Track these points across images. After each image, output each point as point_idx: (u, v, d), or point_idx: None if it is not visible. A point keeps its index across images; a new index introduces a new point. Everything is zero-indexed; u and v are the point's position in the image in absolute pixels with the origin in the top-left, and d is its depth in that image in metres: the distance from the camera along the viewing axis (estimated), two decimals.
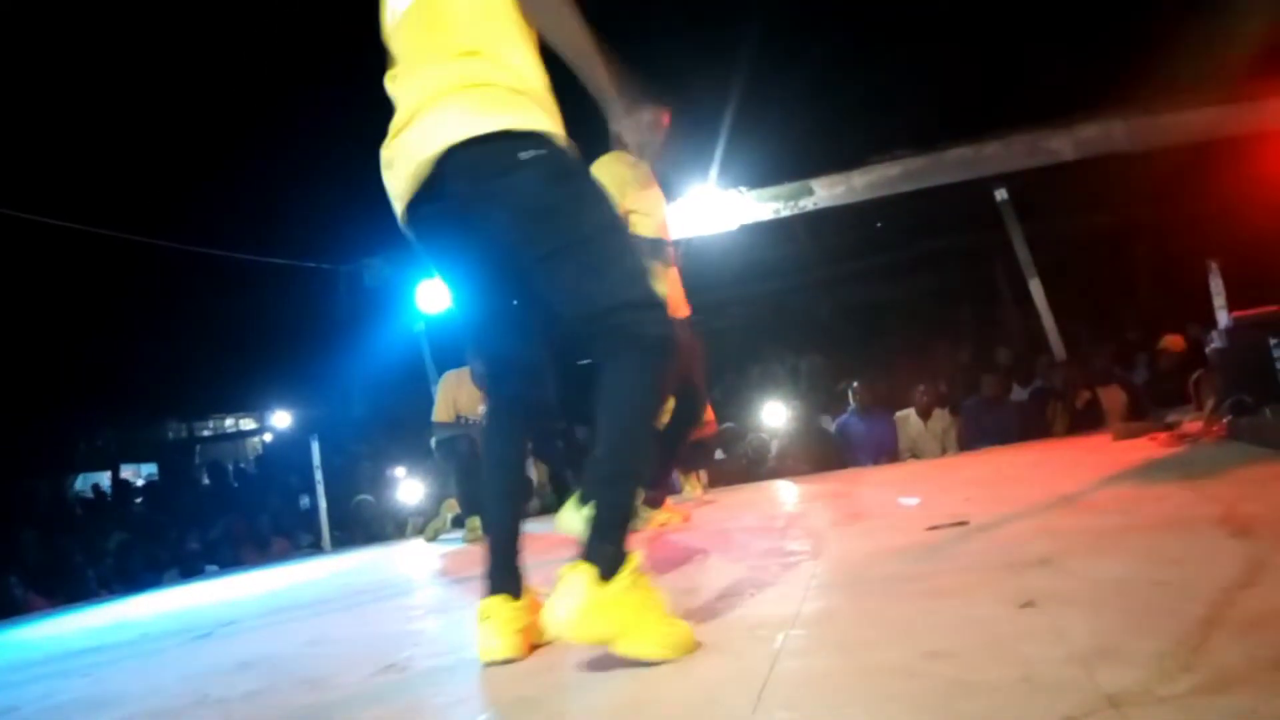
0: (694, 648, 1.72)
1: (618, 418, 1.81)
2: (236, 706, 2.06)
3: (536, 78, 1.98)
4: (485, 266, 2.03)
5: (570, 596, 1.69)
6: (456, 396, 5.88)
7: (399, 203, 2.01)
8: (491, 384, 2.19)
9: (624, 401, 1.81)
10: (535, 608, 1.98)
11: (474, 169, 1.87)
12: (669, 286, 3.71)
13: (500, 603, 1.99)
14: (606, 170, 3.46)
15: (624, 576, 1.72)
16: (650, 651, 1.69)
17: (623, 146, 3.42)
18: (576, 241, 1.84)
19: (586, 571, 1.70)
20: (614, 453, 1.81)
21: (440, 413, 5.92)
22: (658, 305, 1.86)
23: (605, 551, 1.74)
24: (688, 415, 3.83)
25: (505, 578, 2.03)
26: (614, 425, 1.81)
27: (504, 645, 1.94)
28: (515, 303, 2.08)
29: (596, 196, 1.92)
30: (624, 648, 1.70)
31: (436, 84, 1.93)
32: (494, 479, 2.16)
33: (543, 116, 1.91)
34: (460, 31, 1.97)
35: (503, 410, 2.18)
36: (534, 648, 1.99)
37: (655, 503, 3.92)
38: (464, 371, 5.92)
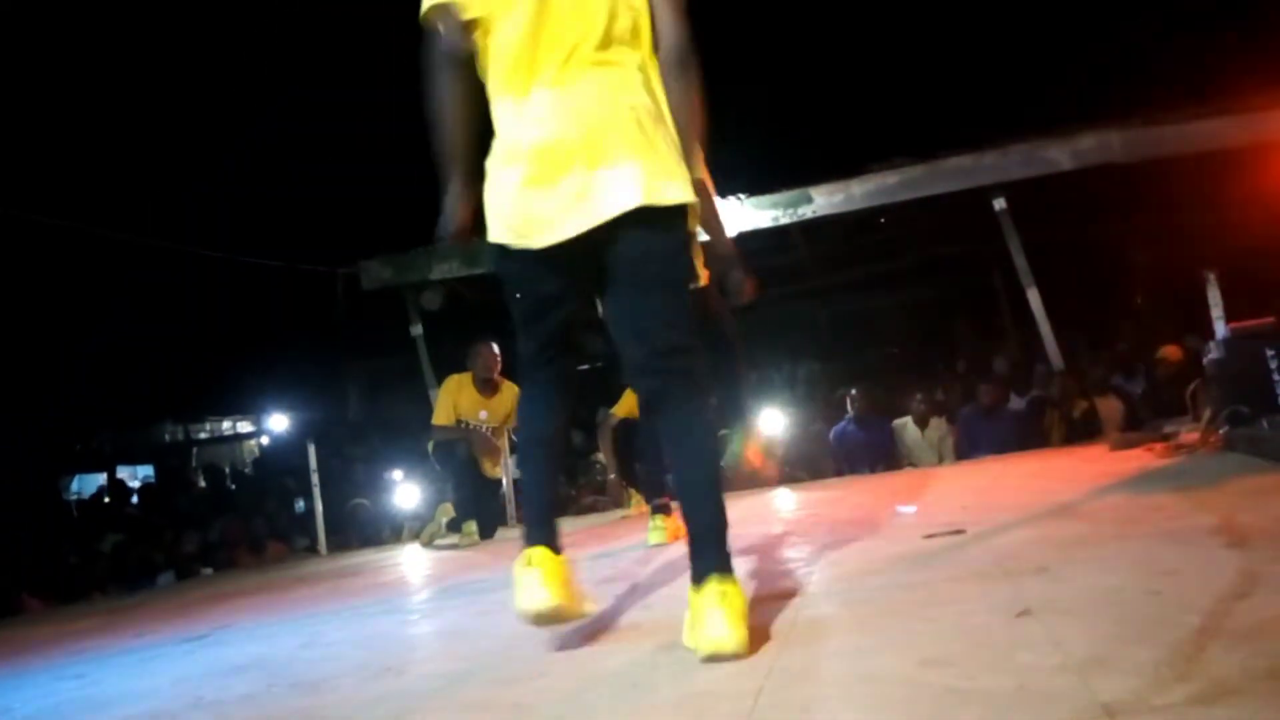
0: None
1: (704, 472, 1.96)
2: (231, 710, 2.06)
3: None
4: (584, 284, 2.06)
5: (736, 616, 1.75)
6: (458, 400, 5.87)
7: (518, 240, 1.97)
8: (542, 356, 2.15)
9: (702, 441, 1.96)
10: (571, 572, 2.03)
11: (638, 234, 1.91)
12: None
13: (545, 553, 1.97)
14: None
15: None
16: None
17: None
18: (670, 282, 1.97)
19: (735, 586, 1.82)
20: (707, 488, 1.95)
21: (440, 415, 5.91)
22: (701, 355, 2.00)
23: (724, 563, 1.85)
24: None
25: (547, 533, 2.02)
26: (704, 481, 1.95)
27: (553, 594, 1.92)
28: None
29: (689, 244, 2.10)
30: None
31: (598, 108, 1.93)
32: (533, 444, 2.19)
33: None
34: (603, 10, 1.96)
35: (551, 380, 2.18)
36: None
37: (665, 509, 3.86)
38: (465, 376, 5.92)
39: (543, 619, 1.95)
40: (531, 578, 1.93)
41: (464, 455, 5.66)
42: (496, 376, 5.87)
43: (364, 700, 1.93)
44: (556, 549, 2.01)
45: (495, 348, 5.87)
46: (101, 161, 10.62)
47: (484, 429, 5.86)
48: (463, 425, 5.82)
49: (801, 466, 7.55)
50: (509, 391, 5.84)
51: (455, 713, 1.73)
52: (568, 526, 4.60)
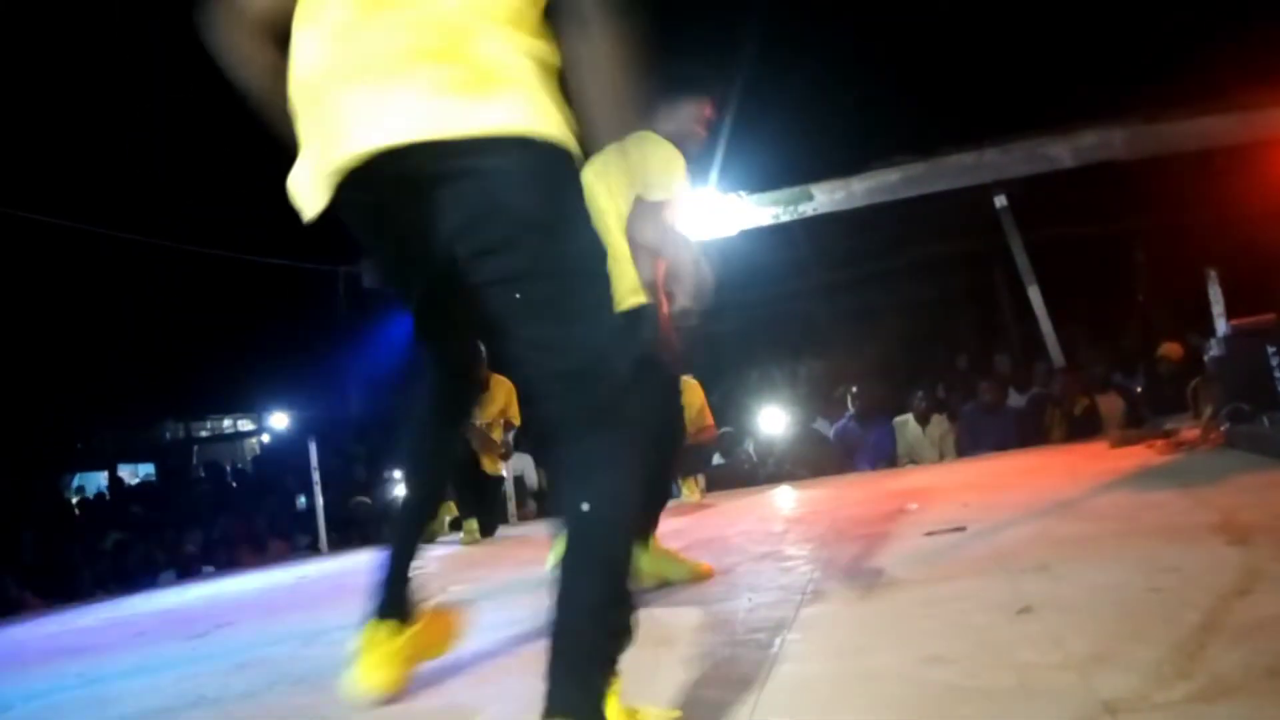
0: None
1: (609, 517, 1.33)
2: (233, 707, 2.06)
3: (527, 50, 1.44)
4: (429, 263, 1.56)
5: None
6: None
7: (321, 181, 1.48)
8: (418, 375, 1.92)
9: (612, 494, 1.34)
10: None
11: (439, 156, 1.36)
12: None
13: (375, 631, 1.87)
14: (649, 144, 3.27)
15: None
16: None
17: (674, 135, 3.32)
18: (555, 273, 1.36)
19: None
20: (600, 565, 1.33)
21: None
22: (635, 385, 1.36)
23: (577, 693, 1.27)
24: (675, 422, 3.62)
25: (386, 603, 1.89)
26: (605, 526, 1.33)
27: (378, 677, 1.81)
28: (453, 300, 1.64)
29: (588, 223, 1.42)
30: None
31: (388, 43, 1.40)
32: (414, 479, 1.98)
33: (537, 102, 1.40)
34: None
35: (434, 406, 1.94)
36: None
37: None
38: None
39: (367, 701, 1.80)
40: (358, 663, 1.83)
41: (465, 454, 5.64)
42: (483, 373, 5.82)
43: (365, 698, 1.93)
44: (403, 617, 1.89)
45: (480, 344, 5.80)
46: (103, 161, 10.62)
47: (479, 426, 5.82)
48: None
49: (802, 464, 7.55)
50: (500, 387, 5.83)
51: (455, 711, 1.72)
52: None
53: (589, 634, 1.30)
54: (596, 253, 1.41)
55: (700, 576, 2.81)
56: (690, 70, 3.45)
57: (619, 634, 1.34)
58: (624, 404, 1.35)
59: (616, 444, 1.35)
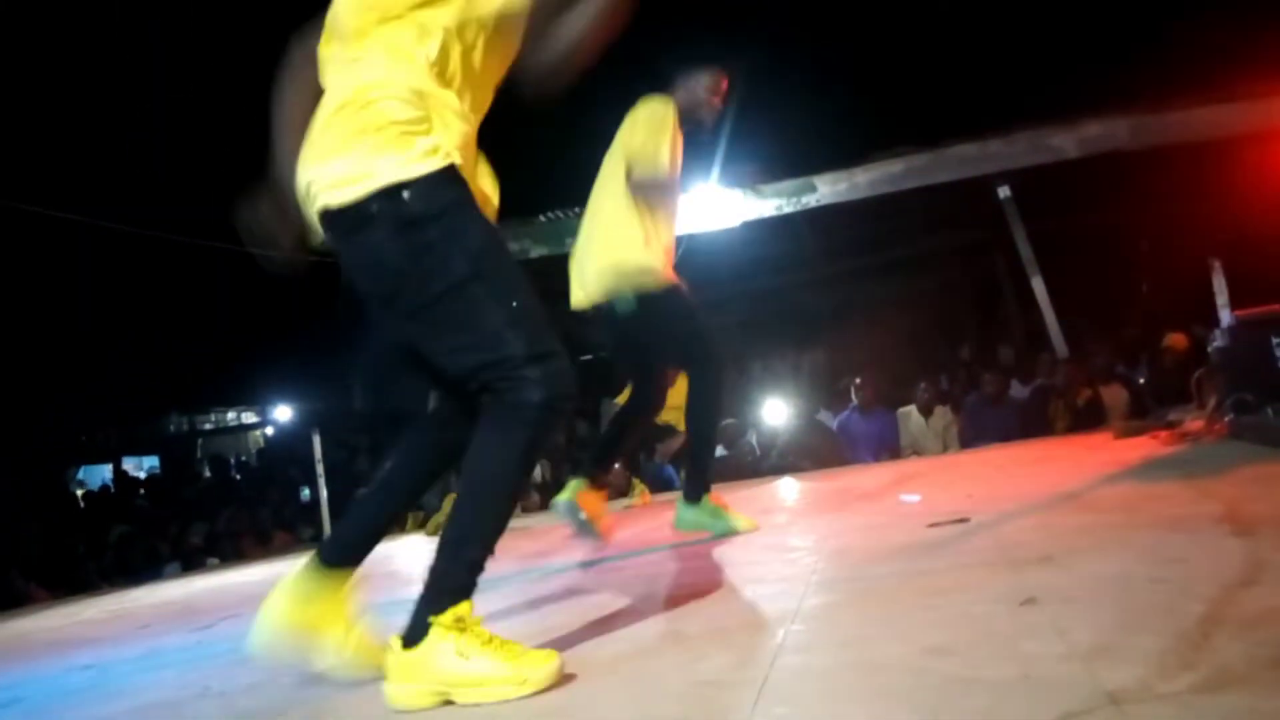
0: (549, 677, 1.65)
1: (470, 489, 1.76)
2: (238, 699, 2.07)
3: (411, 73, 1.77)
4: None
5: (387, 670, 1.71)
6: None
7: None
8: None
9: (479, 473, 1.74)
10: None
11: (332, 226, 1.78)
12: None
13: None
14: (648, 108, 3.38)
15: (434, 632, 1.67)
16: (490, 696, 1.64)
17: (686, 102, 3.44)
18: (429, 302, 1.72)
19: (393, 644, 1.70)
20: (458, 524, 1.75)
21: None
22: (535, 361, 1.70)
23: (417, 616, 1.70)
24: (642, 405, 3.56)
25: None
26: (466, 496, 1.76)
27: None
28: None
29: (451, 242, 1.70)
30: (462, 698, 1.66)
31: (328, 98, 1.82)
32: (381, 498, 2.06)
33: (399, 145, 1.70)
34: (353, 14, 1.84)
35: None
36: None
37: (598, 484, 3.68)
38: None
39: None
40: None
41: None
42: None
43: (370, 690, 1.93)
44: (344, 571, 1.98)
45: None
46: (106, 155, 10.62)
47: None
48: None
49: (805, 456, 7.55)
50: None
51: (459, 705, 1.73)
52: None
53: (439, 566, 1.72)
54: (463, 266, 1.69)
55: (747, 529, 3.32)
56: (707, 49, 3.53)
57: (468, 568, 1.72)
58: (520, 396, 1.69)
59: (510, 432, 1.71)
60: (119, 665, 2.91)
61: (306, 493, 9.64)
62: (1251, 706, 1.11)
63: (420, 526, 6.31)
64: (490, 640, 1.67)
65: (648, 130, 3.31)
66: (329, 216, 1.75)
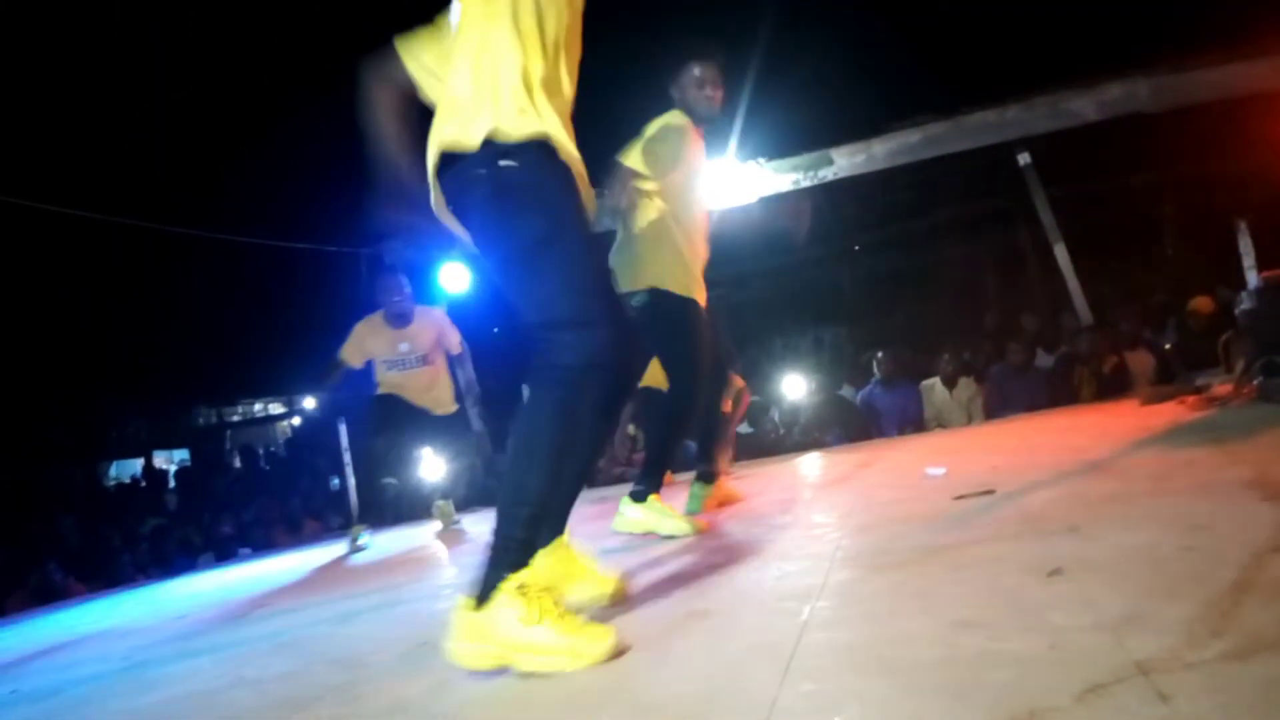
0: (605, 653, 1.70)
1: (515, 447, 1.85)
2: (272, 687, 2.10)
3: (507, 67, 1.93)
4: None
5: (453, 628, 1.81)
6: (366, 343, 5.59)
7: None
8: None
9: (519, 430, 1.85)
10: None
11: (449, 182, 1.97)
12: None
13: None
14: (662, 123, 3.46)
15: (500, 597, 1.75)
16: (547, 665, 1.70)
17: (681, 104, 3.48)
18: (509, 257, 1.90)
19: (464, 604, 1.80)
20: (509, 483, 1.84)
21: (347, 353, 5.63)
22: (575, 326, 1.84)
23: (486, 578, 1.79)
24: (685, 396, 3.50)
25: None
26: (512, 454, 1.86)
27: None
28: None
29: (536, 208, 1.88)
30: (520, 665, 1.73)
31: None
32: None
33: (500, 114, 1.89)
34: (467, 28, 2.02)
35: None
36: None
37: (708, 477, 3.81)
38: (374, 317, 5.62)
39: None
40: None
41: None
42: (407, 306, 5.56)
43: (401, 675, 1.96)
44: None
45: (403, 278, 5.62)
46: (133, 152, 10.71)
47: (413, 358, 5.56)
48: (386, 365, 5.55)
49: (829, 431, 7.53)
50: (427, 317, 5.64)
51: (491, 684, 1.74)
52: (599, 495, 4.60)
53: (500, 528, 1.81)
54: (535, 240, 1.86)
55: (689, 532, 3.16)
56: (693, 41, 3.53)
57: (524, 526, 1.81)
58: (562, 359, 1.83)
59: (552, 391, 1.84)
60: (155, 656, 2.96)
61: (335, 482, 9.71)
62: None
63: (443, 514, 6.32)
64: (552, 610, 1.74)
65: (647, 141, 3.40)
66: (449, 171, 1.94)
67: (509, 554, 1.79)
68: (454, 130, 1.91)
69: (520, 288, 1.89)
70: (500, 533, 1.81)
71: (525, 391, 2.10)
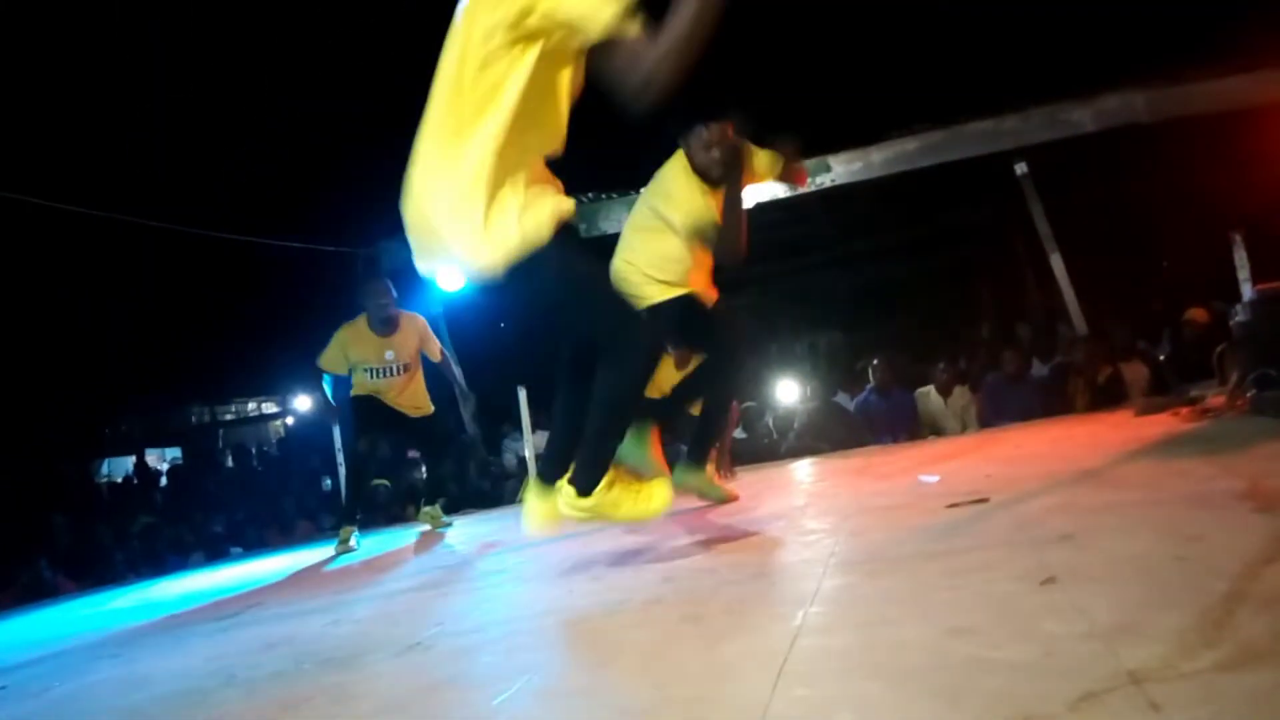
0: (663, 506, 2.67)
1: (596, 404, 2.56)
2: (262, 687, 2.09)
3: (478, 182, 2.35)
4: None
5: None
6: (351, 350, 5.58)
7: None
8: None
9: (598, 394, 2.55)
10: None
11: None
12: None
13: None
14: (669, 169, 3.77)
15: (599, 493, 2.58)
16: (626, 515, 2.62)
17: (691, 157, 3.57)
18: (546, 314, 2.82)
19: (564, 488, 2.62)
20: (592, 424, 2.57)
21: (327, 361, 5.70)
22: (615, 330, 2.52)
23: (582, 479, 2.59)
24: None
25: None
26: (594, 409, 2.57)
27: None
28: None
29: (548, 290, 2.50)
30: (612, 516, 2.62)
31: (445, 189, 2.42)
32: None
33: (486, 243, 2.37)
34: (451, 98, 2.43)
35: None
36: None
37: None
38: (358, 321, 5.58)
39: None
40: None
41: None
42: (393, 311, 5.51)
43: (392, 675, 1.95)
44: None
45: (389, 283, 5.59)
46: (127, 148, 10.69)
47: (396, 366, 5.51)
48: (369, 372, 5.51)
49: (823, 437, 7.53)
50: (412, 324, 5.58)
51: (484, 686, 1.74)
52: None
53: (588, 450, 2.60)
54: (573, 287, 2.53)
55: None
56: (702, 93, 3.57)
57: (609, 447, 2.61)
58: (615, 344, 2.52)
59: (611, 361, 2.52)
60: (146, 654, 2.95)
61: (328, 482, 9.69)
62: (1275, 683, 1.10)
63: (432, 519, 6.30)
64: (628, 487, 2.64)
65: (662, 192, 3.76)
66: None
67: (597, 470, 2.58)
68: (450, 255, 2.45)
69: (565, 320, 2.76)
70: (588, 449, 2.58)
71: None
